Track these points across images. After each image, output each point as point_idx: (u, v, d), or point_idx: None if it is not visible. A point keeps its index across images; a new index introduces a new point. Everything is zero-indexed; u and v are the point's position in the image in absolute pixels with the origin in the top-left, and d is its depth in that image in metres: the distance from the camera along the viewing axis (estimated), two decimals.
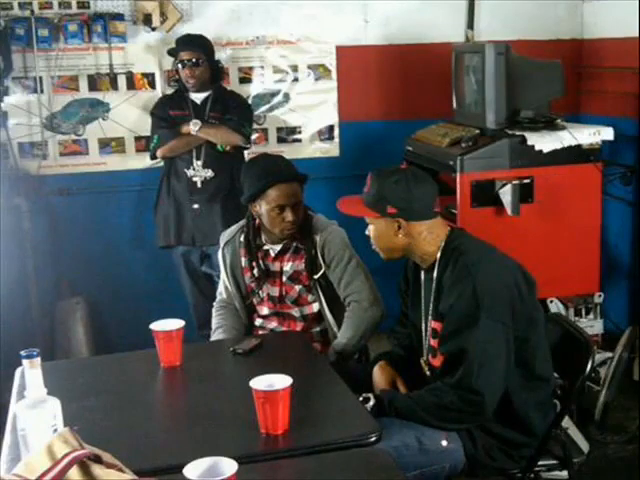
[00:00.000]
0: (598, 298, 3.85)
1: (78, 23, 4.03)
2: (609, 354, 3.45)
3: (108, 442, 1.47)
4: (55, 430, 1.59)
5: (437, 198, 2.32)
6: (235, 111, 3.92)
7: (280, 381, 1.89)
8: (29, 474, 1.32)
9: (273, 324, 2.93)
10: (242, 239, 2.89)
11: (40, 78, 4.07)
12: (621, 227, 4.25)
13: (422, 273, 2.38)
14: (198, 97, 3.94)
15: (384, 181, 2.27)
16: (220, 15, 4.25)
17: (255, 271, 2.86)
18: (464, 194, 3.60)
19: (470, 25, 4.50)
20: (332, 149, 4.53)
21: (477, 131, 3.73)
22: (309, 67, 4.43)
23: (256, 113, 4.31)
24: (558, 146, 3.60)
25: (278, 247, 2.83)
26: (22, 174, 4.08)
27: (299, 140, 4.48)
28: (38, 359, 1.61)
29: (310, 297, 2.85)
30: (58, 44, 4.05)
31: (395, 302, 2.61)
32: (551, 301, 3.76)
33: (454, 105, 4.13)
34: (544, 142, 3.60)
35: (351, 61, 4.46)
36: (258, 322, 2.96)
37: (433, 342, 2.29)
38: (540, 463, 2.32)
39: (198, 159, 3.89)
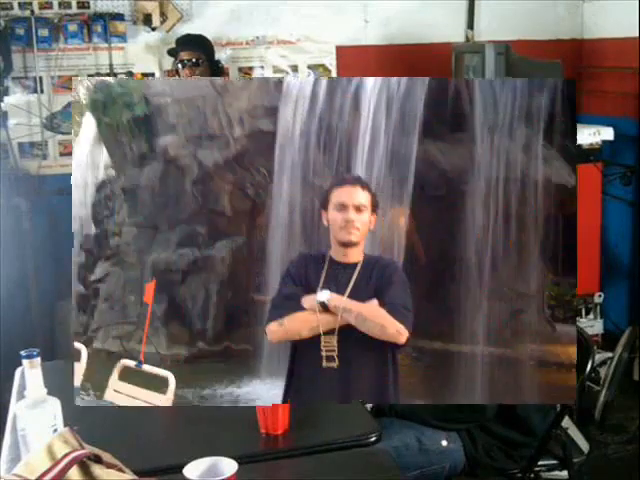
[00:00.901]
0: (598, 298, 3.85)
1: (78, 23, 4.04)
2: (609, 354, 3.44)
3: (108, 442, 1.47)
4: (55, 430, 1.59)
5: None
6: None
7: None
8: (29, 474, 1.32)
9: None
10: None
11: (40, 78, 4.07)
12: (621, 227, 4.24)
13: None
14: None
15: None
16: (220, 15, 4.25)
17: None
18: None
19: (470, 25, 4.49)
20: None
21: None
22: (309, 67, 4.42)
23: None
24: None
25: None
26: (22, 174, 4.07)
27: None
28: (38, 359, 1.61)
29: None
30: (58, 44, 4.05)
31: None
32: None
33: None
34: None
35: (351, 61, 4.46)
36: None
37: None
38: (540, 463, 2.32)
39: None
